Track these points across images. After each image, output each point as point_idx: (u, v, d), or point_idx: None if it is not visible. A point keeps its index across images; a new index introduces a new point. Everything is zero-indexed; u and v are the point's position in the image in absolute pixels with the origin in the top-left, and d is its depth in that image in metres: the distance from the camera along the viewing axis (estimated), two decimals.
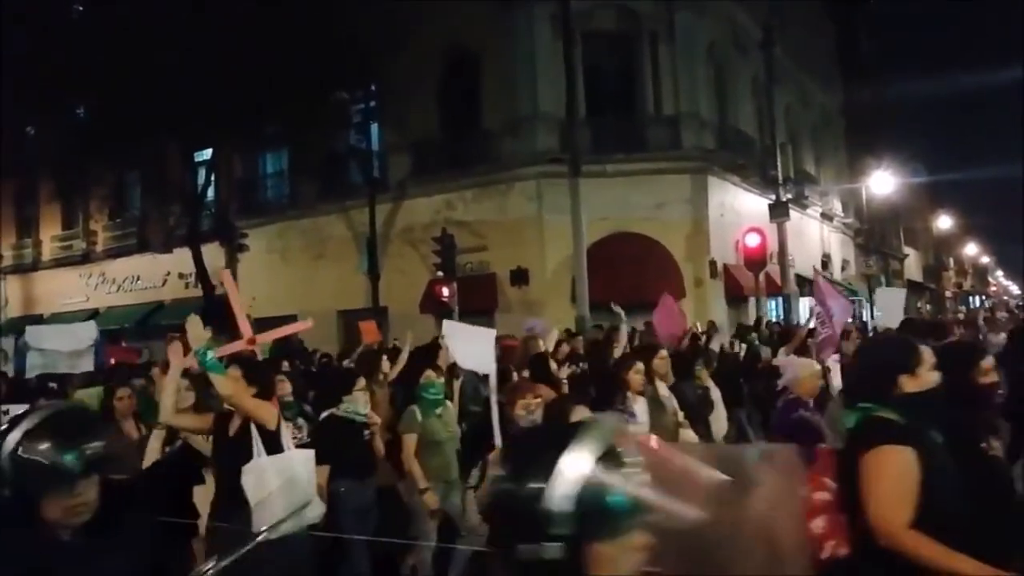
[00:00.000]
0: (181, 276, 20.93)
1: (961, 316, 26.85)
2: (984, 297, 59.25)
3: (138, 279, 22.93)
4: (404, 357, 7.48)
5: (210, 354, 3.96)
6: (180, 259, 19.61)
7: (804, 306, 20.85)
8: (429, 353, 6.86)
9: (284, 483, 3.97)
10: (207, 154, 19.28)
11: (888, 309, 7.73)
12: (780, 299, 18.69)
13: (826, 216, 24.53)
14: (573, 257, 14.47)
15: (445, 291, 14.79)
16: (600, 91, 16.41)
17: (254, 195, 20.88)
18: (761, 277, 15.88)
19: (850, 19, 29.15)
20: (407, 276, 16.80)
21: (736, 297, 17.05)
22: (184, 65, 14.83)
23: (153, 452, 4.78)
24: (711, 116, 17.49)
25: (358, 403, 5.22)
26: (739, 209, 17.76)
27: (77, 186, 21.69)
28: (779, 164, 17.83)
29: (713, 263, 16.42)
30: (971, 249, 56.90)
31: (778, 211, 17.34)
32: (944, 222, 43.80)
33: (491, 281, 16.38)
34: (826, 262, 24.20)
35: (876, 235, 29.74)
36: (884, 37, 34.48)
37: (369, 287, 17.21)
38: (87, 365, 7.36)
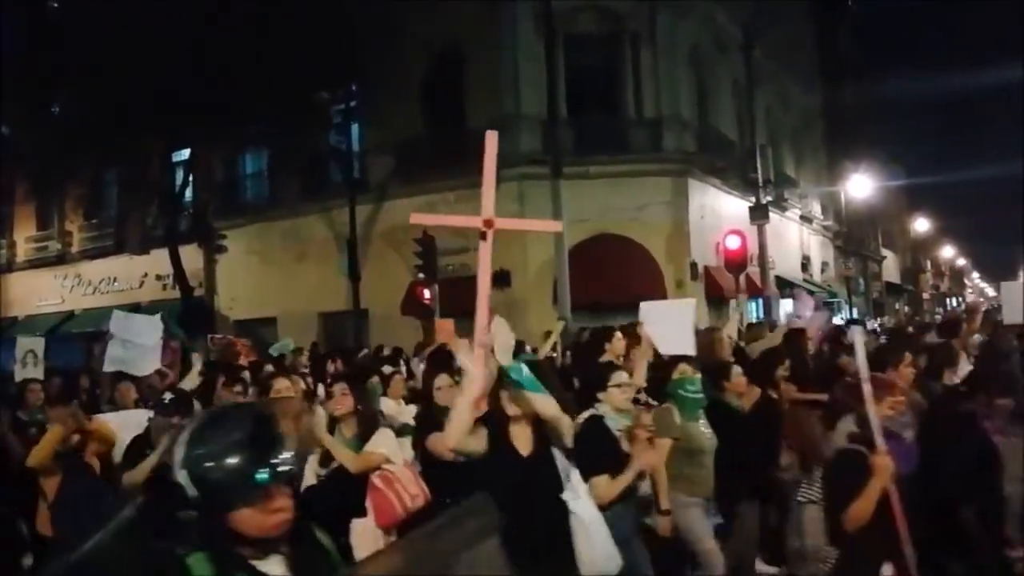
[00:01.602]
0: (159, 277, 20.69)
1: (939, 317, 27.16)
2: (960, 299, 60.08)
3: (115, 280, 22.62)
4: (548, 347, 6.85)
5: (526, 369, 3.21)
6: (157, 260, 19.39)
7: (784, 308, 21.00)
8: (597, 343, 6.18)
9: (595, 519, 3.19)
10: (186, 154, 19.07)
11: (1014, 304, 7.52)
12: (760, 301, 18.80)
13: (805, 218, 24.73)
14: (555, 259, 14.46)
15: (427, 293, 14.72)
16: (582, 92, 16.40)
17: (234, 196, 20.69)
18: (741, 279, 15.94)
19: (831, 22, 29.41)
20: (388, 278, 16.69)
21: (716, 299, 17.12)
22: (164, 64, 14.68)
23: (309, 476, 4.15)
24: (692, 118, 17.57)
25: (615, 401, 4.23)
26: (719, 211, 17.84)
27: (52, 186, 21.38)
28: (759, 167, 17.92)
29: (694, 265, 16.48)
30: (948, 251, 57.62)
31: (758, 213, 17.43)
32: (921, 224, 44.34)
33: (473, 283, 16.18)
34: (806, 264, 24.41)
35: (855, 237, 30.03)
36: (865, 40, 34.79)
37: (350, 289, 17.10)
38: (156, 364, 6.59)
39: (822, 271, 26.22)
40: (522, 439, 3.21)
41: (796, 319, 9.05)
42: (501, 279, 16.08)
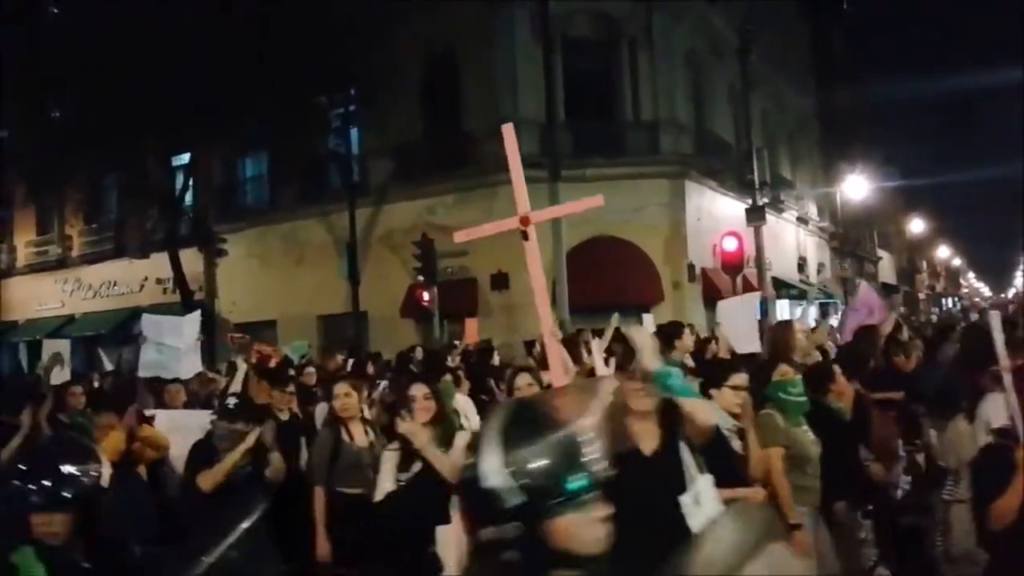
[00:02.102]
0: (159, 281, 20.79)
1: (935, 317, 27.29)
2: (956, 299, 60.32)
3: (115, 284, 22.71)
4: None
5: (675, 373, 2.92)
6: (157, 264, 19.49)
7: (781, 309, 21.13)
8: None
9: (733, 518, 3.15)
10: (185, 158, 19.17)
11: None
12: (757, 302, 18.91)
13: (802, 220, 24.87)
14: (553, 261, 14.56)
15: (426, 296, 14.84)
16: (580, 96, 16.53)
17: (233, 199, 20.79)
18: (738, 280, 16.07)
19: (826, 25, 29.60)
20: (387, 281, 16.80)
21: (713, 300, 17.21)
22: (163, 68, 14.77)
23: (386, 476, 3.87)
24: (689, 121, 17.71)
25: (727, 402, 3.90)
26: (716, 213, 17.97)
27: (52, 190, 21.46)
28: (755, 169, 18.01)
29: (691, 266, 16.61)
30: (943, 252, 57.79)
31: (754, 215, 17.53)
32: (917, 225, 44.48)
33: (472, 286, 16.43)
34: (802, 265, 24.55)
35: (851, 238, 30.17)
36: (860, 43, 35.01)
37: (349, 291, 17.20)
38: (196, 367, 6.44)
39: (818, 272, 26.36)
40: (646, 436, 2.93)
41: (855, 312, 8.51)
42: (499, 282, 16.20)
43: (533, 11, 15.20)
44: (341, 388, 4.57)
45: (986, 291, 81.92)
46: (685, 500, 2.83)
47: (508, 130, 3.30)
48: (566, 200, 14.47)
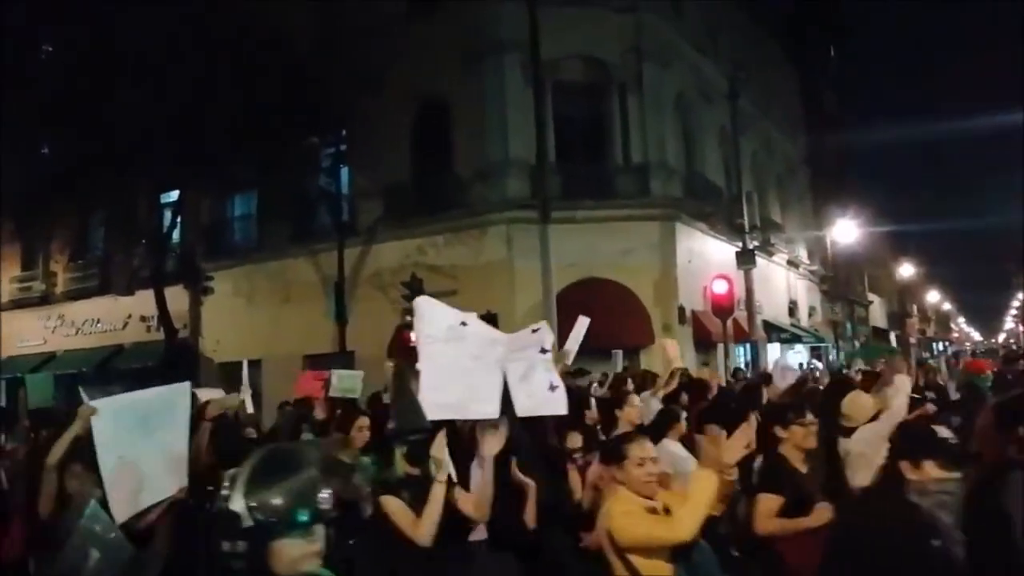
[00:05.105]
0: (143, 319, 20.52)
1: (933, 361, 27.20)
2: (947, 343, 60.40)
3: (98, 322, 22.41)
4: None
5: None
6: (142, 301, 19.24)
7: (771, 352, 21.01)
8: None
9: None
10: (174, 195, 19.07)
11: None
12: (747, 345, 18.79)
13: (792, 263, 24.90)
14: (543, 302, 14.42)
15: (413, 336, 14.61)
16: (570, 139, 16.58)
17: (222, 237, 20.66)
18: (729, 323, 15.96)
19: (815, 70, 30.05)
20: (375, 321, 16.59)
21: (704, 343, 17.11)
22: (154, 105, 14.75)
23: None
24: (679, 165, 17.76)
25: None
26: (707, 256, 17.94)
27: (38, 226, 21.30)
28: (745, 212, 18.07)
29: (681, 309, 16.49)
30: (933, 296, 58.02)
31: (745, 258, 17.52)
32: (907, 270, 44.65)
33: None
34: (793, 309, 24.49)
35: (841, 282, 30.19)
36: (848, 88, 35.64)
37: (336, 331, 16.98)
38: None
39: (809, 316, 26.31)
40: None
41: None
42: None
43: (524, 56, 15.30)
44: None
45: (976, 335, 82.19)
46: None
47: None
48: (556, 242, 14.52)
